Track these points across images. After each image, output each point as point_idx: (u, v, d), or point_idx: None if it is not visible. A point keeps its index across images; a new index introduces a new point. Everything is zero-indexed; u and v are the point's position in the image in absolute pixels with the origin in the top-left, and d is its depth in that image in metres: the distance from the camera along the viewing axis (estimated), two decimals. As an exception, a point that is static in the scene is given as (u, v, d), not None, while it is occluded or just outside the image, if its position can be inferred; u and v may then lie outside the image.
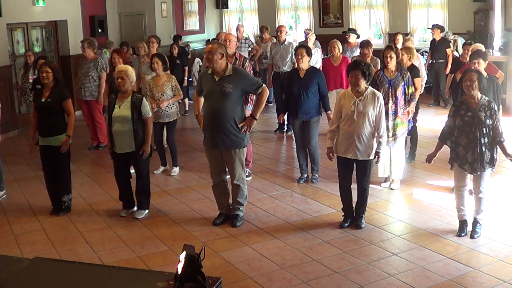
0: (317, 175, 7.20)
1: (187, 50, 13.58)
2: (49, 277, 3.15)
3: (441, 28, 12.14)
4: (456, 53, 11.52)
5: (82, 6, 12.57)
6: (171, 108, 7.53)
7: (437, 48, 11.76)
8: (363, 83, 5.51)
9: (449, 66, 10.82)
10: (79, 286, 3.05)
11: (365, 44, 8.82)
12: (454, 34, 12.95)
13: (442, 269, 4.82)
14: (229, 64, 5.65)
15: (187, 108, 11.94)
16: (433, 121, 10.44)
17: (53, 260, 4.20)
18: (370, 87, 5.63)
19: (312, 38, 10.82)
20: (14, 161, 8.69)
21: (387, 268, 4.87)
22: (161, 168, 7.87)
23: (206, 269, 2.87)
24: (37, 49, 11.81)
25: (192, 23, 16.03)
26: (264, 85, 5.74)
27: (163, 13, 14.57)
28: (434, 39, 12.05)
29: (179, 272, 2.79)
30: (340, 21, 15.55)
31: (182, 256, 2.81)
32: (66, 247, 5.55)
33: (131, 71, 6.09)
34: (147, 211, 6.28)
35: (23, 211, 6.55)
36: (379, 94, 5.63)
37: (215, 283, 2.89)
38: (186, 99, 11.86)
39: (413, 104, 6.77)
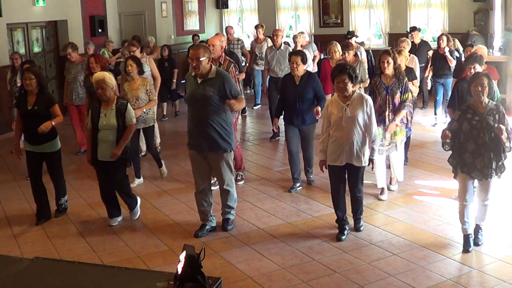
0: (311, 176, 7.12)
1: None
2: (49, 277, 3.15)
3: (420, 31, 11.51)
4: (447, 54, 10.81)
5: (82, 6, 12.57)
6: (148, 113, 7.27)
7: (418, 51, 10.85)
8: (350, 87, 5.25)
9: (429, 69, 10.31)
10: (79, 286, 3.05)
11: (343, 47, 8.39)
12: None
13: (442, 269, 4.82)
14: (213, 66, 5.45)
15: (173, 111, 11.82)
16: (432, 122, 10.44)
17: (53, 260, 4.20)
18: (357, 91, 5.41)
19: (301, 40, 10.20)
20: (14, 161, 8.66)
21: (387, 268, 4.87)
22: (136, 181, 7.29)
23: (206, 269, 2.87)
24: (37, 49, 11.81)
25: (192, 23, 16.02)
26: (243, 97, 5.64)
27: (163, 13, 14.58)
28: (413, 42, 11.10)
29: (179, 272, 2.79)
30: (340, 21, 15.55)
31: (182, 256, 2.81)
32: (66, 247, 5.55)
33: (108, 77, 5.80)
34: (139, 210, 6.16)
35: (23, 211, 6.55)
36: (367, 97, 5.40)
37: (215, 283, 2.89)
38: (178, 101, 11.78)
39: (403, 112, 6.30)
